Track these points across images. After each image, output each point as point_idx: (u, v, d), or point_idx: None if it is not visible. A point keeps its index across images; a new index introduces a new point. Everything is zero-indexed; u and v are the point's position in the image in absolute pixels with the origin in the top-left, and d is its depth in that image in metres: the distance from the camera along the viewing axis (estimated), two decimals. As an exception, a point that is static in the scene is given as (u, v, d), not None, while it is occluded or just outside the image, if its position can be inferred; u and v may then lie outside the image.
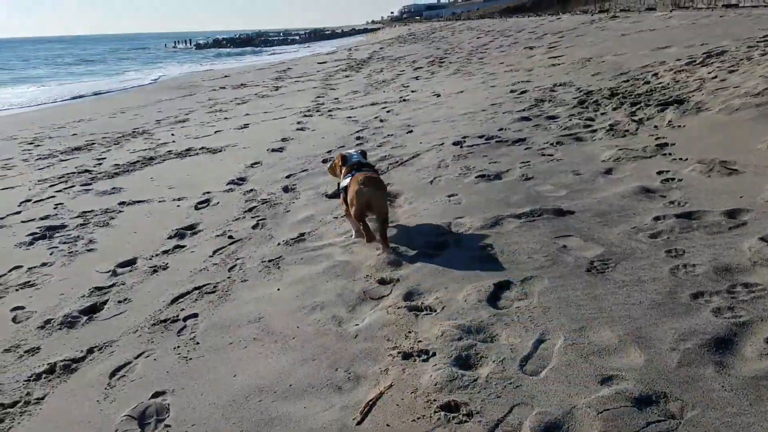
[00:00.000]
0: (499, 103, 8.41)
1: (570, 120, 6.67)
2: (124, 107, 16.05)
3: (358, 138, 7.84)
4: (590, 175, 4.80)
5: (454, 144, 6.44)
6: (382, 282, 3.51)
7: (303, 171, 6.57)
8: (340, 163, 4.45)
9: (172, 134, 10.41)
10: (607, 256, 3.30)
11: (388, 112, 9.67)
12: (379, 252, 3.88)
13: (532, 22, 26.03)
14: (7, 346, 3.36)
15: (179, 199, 6.01)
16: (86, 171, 7.76)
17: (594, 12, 25.51)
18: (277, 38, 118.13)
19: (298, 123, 10.02)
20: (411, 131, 7.68)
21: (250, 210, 5.40)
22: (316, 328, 3.11)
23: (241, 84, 19.92)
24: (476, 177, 5.15)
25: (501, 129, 6.78)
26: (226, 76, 25.65)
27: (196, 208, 5.65)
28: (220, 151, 8.41)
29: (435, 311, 3.04)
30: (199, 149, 8.67)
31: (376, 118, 9.25)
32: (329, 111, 11.00)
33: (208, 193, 6.15)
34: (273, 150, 7.93)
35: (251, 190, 6.07)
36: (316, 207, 5.20)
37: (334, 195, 5.25)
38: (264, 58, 48.50)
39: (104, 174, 7.57)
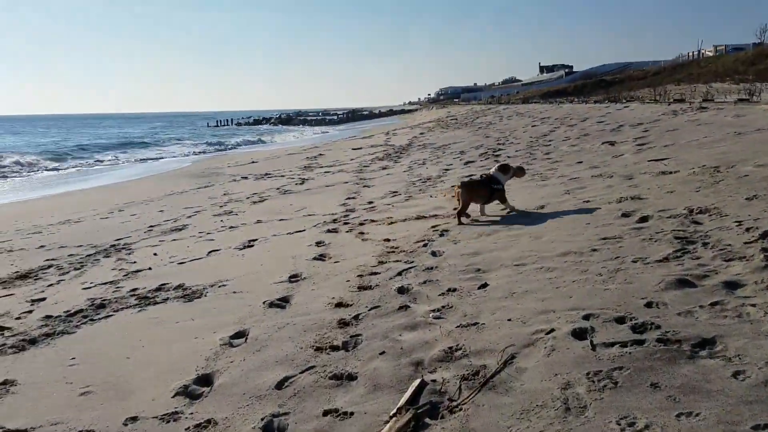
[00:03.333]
0: (614, 237, 5.61)
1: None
2: (127, 201, 13.86)
3: (399, 291, 5.09)
4: None
5: (574, 335, 3.61)
6: None
7: (307, 370, 3.79)
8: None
9: (155, 253, 7.89)
10: None
11: (441, 235, 6.96)
12: None
13: (595, 110, 23.56)
14: None
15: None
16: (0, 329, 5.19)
17: (664, 101, 22.92)
18: (315, 117, 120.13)
19: (318, 244, 7.40)
20: (485, 285, 4.90)
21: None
22: None
23: (266, 174, 17.73)
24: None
25: (650, 303, 3.92)
26: (253, 162, 23.75)
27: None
28: (199, 296, 5.75)
29: None
30: (174, 289, 6.05)
31: (425, 245, 6.54)
32: (360, 224, 8.37)
33: (133, 420, 3.41)
34: (272, 304, 5.22)
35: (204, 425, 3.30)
36: None
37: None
38: (299, 138, 47.46)
39: (19, 338, 4.94)
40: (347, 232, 7.99)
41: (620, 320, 3.70)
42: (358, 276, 5.74)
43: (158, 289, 6.12)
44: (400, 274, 5.61)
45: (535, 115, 26.61)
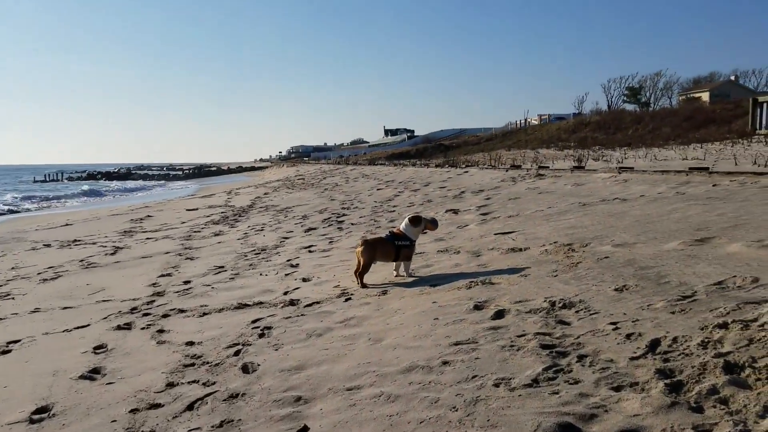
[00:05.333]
0: (468, 341, 4.55)
1: None
2: None
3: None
4: None
5: None
6: None
7: None
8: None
9: None
10: None
11: (262, 334, 5.50)
12: None
13: (437, 174, 23.68)
14: None
15: None
16: None
17: (500, 167, 23.68)
18: (158, 172, 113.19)
19: (97, 350, 5.57)
20: (304, 430, 3.50)
21: None
22: None
23: (74, 240, 15.06)
24: None
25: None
26: (67, 224, 20.56)
27: None
28: None
29: None
30: None
31: (237, 353, 5.04)
32: (164, 316, 6.64)
33: None
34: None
35: None
36: None
37: None
38: (132, 196, 43.50)
39: None
40: (143, 328, 6.21)
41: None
42: (131, 411, 4.07)
43: None
44: (191, 407, 4.03)
45: (381, 178, 26.35)
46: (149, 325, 6.33)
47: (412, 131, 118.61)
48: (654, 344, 3.97)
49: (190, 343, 5.48)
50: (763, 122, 43.09)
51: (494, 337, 4.55)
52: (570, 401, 3.35)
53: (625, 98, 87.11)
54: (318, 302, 6.40)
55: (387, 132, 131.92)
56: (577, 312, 4.82)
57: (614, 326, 4.36)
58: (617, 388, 3.44)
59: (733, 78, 79.34)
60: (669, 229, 7.34)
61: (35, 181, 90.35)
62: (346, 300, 6.34)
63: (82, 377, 4.89)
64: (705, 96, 71.31)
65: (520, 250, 7.45)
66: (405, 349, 4.58)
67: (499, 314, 5.08)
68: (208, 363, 4.89)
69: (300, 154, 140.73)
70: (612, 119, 65.45)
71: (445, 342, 4.59)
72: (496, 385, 3.70)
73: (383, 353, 4.58)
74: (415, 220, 7.04)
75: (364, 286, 6.80)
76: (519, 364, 3.97)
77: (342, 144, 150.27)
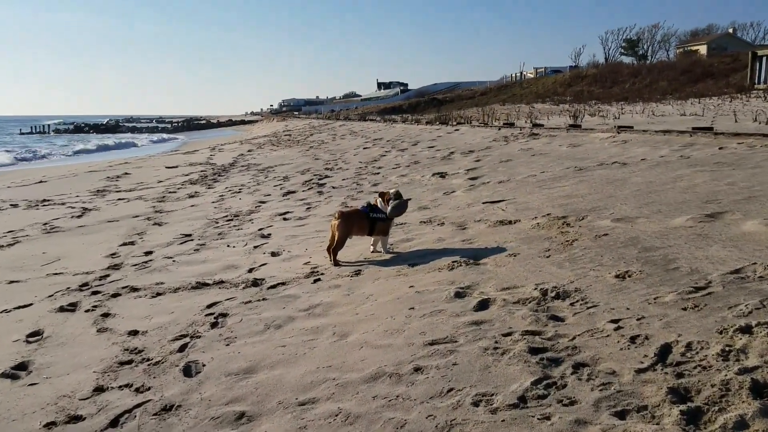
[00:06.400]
0: (446, 340, 3.92)
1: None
2: None
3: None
4: None
5: None
6: None
7: None
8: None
9: None
10: None
11: (215, 324, 4.85)
12: None
13: (426, 132, 22.75)
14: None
15: None
16: None
17: (493, 125, 22.76)
18: (147, 125, 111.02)
19: (30, 338, 4.93)
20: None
21: None
22: None
23: (43, 200, 14.24)
24: None
25: None
26: (42, 181, 19.67)
27: None
28: None
29: None
30: None
31: (182, 349, 4.39)
32: (114, 295, 5.97)
33: None
34: None
35: None
36: None
37: None
38: (113, 153, 42.33)
39: None
40: (88, 311, 5.55)
41: None
42: (46, 426, 3.44)
43: None
44: (114, 423, 3.40)
45: (369, 136, 25.42)
46: (95, 306, 5.67)
47: (406, 85, 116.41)
48: (664, 351, 3.34)
49: (134, 333, 4.83)
50: (762, 76, 42.11)
51: (476, 335, 3.91)
52: (564, 431, 2.73)
53: (622, 51, 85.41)
54: (284, 283, 5.74)
55: (380, 85, 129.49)
56: (572, 304, 4.18)
57: (616, 325, 3.73)
58: (621, 414, 2.82)
59: (731, 31, 77.61)
60: (675, 201, 6.66)
61: (21, 133, 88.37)
62: (315, 281, 5.68)
63: (4, 375, 4.24)
64: (703, 49, 69.84)
65: (510, 222, 6.78)
66: (373, 349, 3.94)
67: (483, 304, 4.44)
68: (147, 360, 4.24)
69: (291, 108, 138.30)
70: (609, 72, 64.11)
71: (419, 340, 3.95)
72: (476, 404, 3.07)
73: (347, 353, 3.94)
74: (384, 196, 6.33)
75: (336, 264, 6.14)
76: (504, 375, 3.34)
77: (334, 98, 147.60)
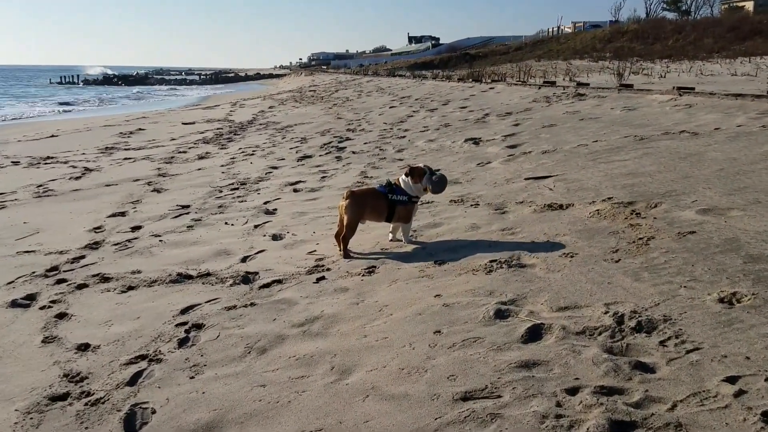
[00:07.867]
0: (484, 394, 2.81)
1: None
2: None
3: None
4: None
5: None
6: None
7: None
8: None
9: None
10: None
11: (184, 341, 3.82)
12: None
13: (458, 90, 21.15)
14: None
15: None
16: None
17: (532, 83, 21.04)
18: (175, 78, 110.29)
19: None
20: None
21: None
22: None
23: (47, 157, 13.40)
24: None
25: None
26: (54, 135, 18.87)
27: None
28: None
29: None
30: None
31: (133, 380, 3.37)
32: (80, 286, 4.97)
33: None
34: None
35: None
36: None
37: None
38: (134, 106, 41.48)
39: None
40: (43, 308, 4.56)
41: None
42: None
43: None
44: None
45: (396, 93, 23.92)
46: (54, 302, 4.67)
47: (438, 39, 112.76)
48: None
49: (84, 348, 3.81)
50: (818, 34, 38.83)
51: (527, 387, 2.76)
52: None
53: (665, 5, 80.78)
54: (280, 281, 4.64)
55: (411, 39, 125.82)
56: (662, 343, 2.99)
57: (735, 387, 2.54)
58: None
59: (781, -16, 72.39)
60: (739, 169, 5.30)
61: (51, 83, 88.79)
62: (318, 280, 4.57)
63: None
64: (749, 5, 65.35)
65: (561, 207, 5.52)
66: (382, 401, 2.83)
67: (535, 333, 3.28)
68: (87, 396, 3.21)
69: (320, 62, 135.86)
70: (651, 28, 60.47)
71: (447, 390, 2.83)
72: None
73: (347, 407, 2.84)
74: (416, 172, 5.11)
75: (347, 255, 5.02)
76: None
77: (364, 52, 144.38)
